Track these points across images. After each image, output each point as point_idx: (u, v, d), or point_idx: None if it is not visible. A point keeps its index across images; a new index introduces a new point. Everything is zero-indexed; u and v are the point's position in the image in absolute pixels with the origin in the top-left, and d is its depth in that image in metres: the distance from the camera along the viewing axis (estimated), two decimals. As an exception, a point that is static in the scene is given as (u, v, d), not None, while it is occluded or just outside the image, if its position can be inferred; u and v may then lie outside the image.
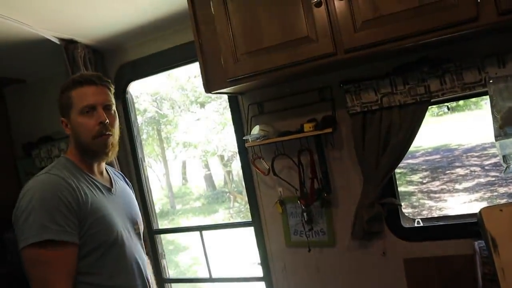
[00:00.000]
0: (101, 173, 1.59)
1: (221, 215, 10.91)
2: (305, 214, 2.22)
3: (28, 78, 3.11)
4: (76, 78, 1.51)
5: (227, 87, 2.00)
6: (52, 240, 1.30)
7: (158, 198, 12.79)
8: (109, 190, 1.56)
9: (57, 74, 2.81)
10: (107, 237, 1.43)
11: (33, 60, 2.73)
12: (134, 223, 1.62)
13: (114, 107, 1.55)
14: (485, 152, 10.44)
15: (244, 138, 2.26)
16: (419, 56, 1.89)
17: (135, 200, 1.75)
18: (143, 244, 1.68)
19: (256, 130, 2.19)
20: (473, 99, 11.94)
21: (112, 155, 1.55)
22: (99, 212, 1.43)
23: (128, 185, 1.80)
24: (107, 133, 1.49)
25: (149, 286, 1.60)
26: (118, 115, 1.59)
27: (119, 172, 1.82)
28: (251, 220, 2.50)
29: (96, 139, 1.47)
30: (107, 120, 1.47)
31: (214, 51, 1.98)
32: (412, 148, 2.03)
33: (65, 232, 1.32)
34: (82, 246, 1.38)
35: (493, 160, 9.63)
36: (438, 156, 11.26)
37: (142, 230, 1.69)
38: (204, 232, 2.84)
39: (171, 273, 2.97)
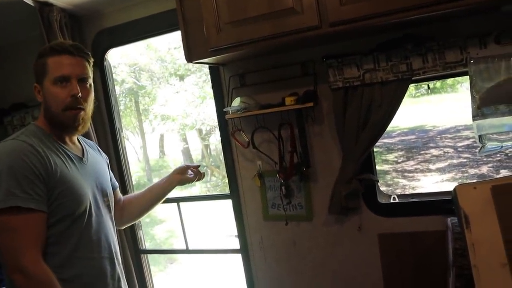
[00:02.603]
0: (72, 142, 1.56)
1: (197, 189, 10.92)
2: (283, 187, 2.23)
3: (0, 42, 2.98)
4: (54, 46, 1.47)
5: (208, 57, 1.97)
6: (19, 207, 1.28)
7: (135, 171, 12.67)
8: (80, 159, 1.53)
9: (31, 38, 2.69)
10: (76, 208, 1.42)
11: (5, 22, 2.60)
12: (104, 195, 1.60)
13: (90, 81, 1.51)
14: (459, 134, 10.70)
15: (224, 109, 2.23)
16: (403, 33, 1.88)
17: (108, 173, 1.72)
18: (113, 217, 1.67)
19: (237, 102, 2.17)
20: (450, 82, 12.16)
21: (83, 129, 1.52)
22: (69, 182, 1.41)
23: (103, 157, 1.77)
24: (79, 106, 1.45)
25: (117, 260, 1.59)
26: (95, 83, 1.55)
27: (94, 143, 1.78)
28: (229, 192, 2.50)
29: (66, 111, 1.44)
30: (80, 94, 1.43)
31: (197, 20, 1.93)
32: (389, 128, 2.06)
33: (32, 200, 1.30)
34: (50, 215, 1.36)
35: (466, 142, 9.88)
36: (413, 137, 11.48)
37: (113, 203, 1.68)
38: (181, 204, 2.83)
39: (147, 245, 2.97)
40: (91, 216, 1.48)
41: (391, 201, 2.19)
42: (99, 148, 1.80)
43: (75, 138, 1.58)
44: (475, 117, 1.83)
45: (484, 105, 1.80)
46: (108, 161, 1.81)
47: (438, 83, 12.02)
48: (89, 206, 1.47)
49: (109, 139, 2.80)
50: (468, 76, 1.81)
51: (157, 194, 1.87)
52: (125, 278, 1.66)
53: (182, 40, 2.00)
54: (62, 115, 1.44)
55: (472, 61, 1.78)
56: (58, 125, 1.47)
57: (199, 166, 1.92)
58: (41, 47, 1.53)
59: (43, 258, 1.33)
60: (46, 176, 1.35)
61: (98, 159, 1.69)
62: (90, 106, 1.52)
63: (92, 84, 1.53)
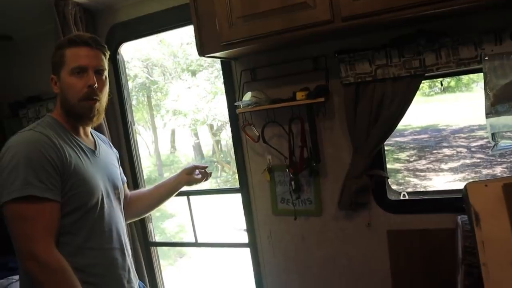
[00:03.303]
0: (86, 135, 1.59)
1: (207, 184, 10.97)
2: (293, 182, 2.23)
3: (15, 35, 3.01)
4: (72, 37, 1.50)
5: (220, 51, 1.98)
6: (35, 196, 1.31)
7: (146, 165, 12.76)
8: (93, 152, 1.56)
9: (46, 32, 2.72)
10: (88, 199, 1.44)
11: (21, 16, 2.63)
12: (115, 188, 1.62)
13: (106, 73, 1.54)
14: (473, 134, 10.58)
15: (235, 104, 2.24)
16: (416, 29, 1.87)
17: (118, 167, 1.75)
18: (123, 210, 1.70)
19: (248, 96, 2.17)
20: (465, 81, 12.01)
21: (97, 120, 1.55)
22: (82, 173, 1.44)
23: (114, 151, 1.80)
24: (94, 97, 1.48)
25: (127, 251, 1.61)
26: (109, 77, 1.58)
27: (105, 137, 1.81)
28: (239, 186, 2.51)
29: (82, 101, 1.46)
30: (96, 85, 1.46)
31: (210, 14, 1.94)
32: (401, 126, 2.05)
33: (48, 190, 1.33)
34: (63, 205, 1.39)
35: (480, 142, 9.77)
36: (426, 136, 11.37)
37: (123, 197, 1.71)
38: (191, 197, 2.85)
39: (157, 238, 2.99)
40: (103, 208, 1.50)
41: (401, 198, 2.18)
42: (110, 143, 1.82)
43: (88, 130, 1.61)
44: (488, 114, 1.80)
45: (498, 103, 1.78)
46: (118, 155, 1.84)
47: (452, 82, 11.87)
48: (101, 198, 1.49)
49: (121, 133, 2.83)
50: (482, 74, 1.79)
51: (165, 192, 1.89)
52: (135, 270, 1.68)
53: (195, 34, 2.01)
54: (78, 105, 1.46)
55: (486, 58, 1.76)
56: (74, 115, 1.50)
57: (206, 166, 1.94)
58: (56, 40, 1.56)
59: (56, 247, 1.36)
60: (62, 167, 1.37)
61: (109, 153, 1.72)
62: (105, 98, 1.54)
63: (107, 77, 1.55)
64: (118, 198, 1.64)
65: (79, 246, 1.43)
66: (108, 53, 1.55)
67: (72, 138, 1.49)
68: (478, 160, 8.90)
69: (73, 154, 1.44)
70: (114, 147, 1.86)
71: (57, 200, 1.36)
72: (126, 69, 2.89)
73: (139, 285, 1.70)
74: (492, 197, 1.57)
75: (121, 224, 1.62)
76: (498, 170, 8.17)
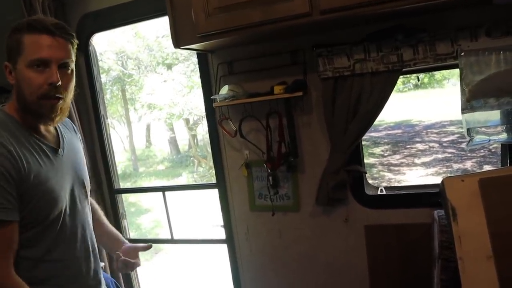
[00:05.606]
0: (47, 131, 1.39)
1: (184, 179, 10.86)
2: (270, 178, 2.21)
3: (-21, 24, 2.87)
4: (33, 22, 1.25)
5: (197, 43, 1.92)
6: None
7: (121, 160, 12.54)
8: (55, 152, 1.37)
9: (12, 20, 2.58)
10: (49, 211, 1.30)
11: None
12: (83, 186, 1.47)
13: (72, 65, 1.31)
14: (444, 129, 10.81)
15: (212, 97, 2.20)
16: (394, 24, 1.86)
17: (83, 157, 1.57)
18: (91, 203, 1.57)
19: (224, 90, 2.13)
20: (437, 77, 12.26)
21: (60, 120, 1.34)
22: (43, 184, 1.28)
23: (78, 137, 1.60)
24: (57, 95, 1.26)
25: (93, 254, 1.48)
26: (80, 69, 1.42)
27: (68, 120, 1.57)
28: (215, 182, 2.47)
29: (42, 100, 1.25)
30: (60, 82, 1.24)
31: (185, 4, 1.88)
32: (375, 122, 2.04)
33: (3, 210, 1.18)
34: (22, 220, 1.23)
35: (451, 137, 10.00)
36: (399, 131, 11.56)
37: (89, 189, 1.54)
38: (167, 193, 2.79)
39: (132, 234, 2.93)
40: (66, 217, 1.36)
41: (379, 193, 2.18)
42: (74, 127, 1.61)
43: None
44: (464, 110, 1.82)
45: (473, 98, 1.79)
46: (81, 140, 1.66)
47: (426, 78, 12.11)
48: (65, 207, 1.35)
49: (94, 127, 2.74)
50: (456, 70, 1.80)
51: (105, 241, 1.70)
52: (101, 272, 1.55)
53: (170, 25, 1.95)
54: (37, 103, 1.25)
55: (462, 54, 1.77)
56: (31, 113, 1.28)
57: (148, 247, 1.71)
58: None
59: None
60: (19, 179, 1.21)
61: (74, 143, 1.52)
62: (70, 95, 1.33)
63: (74, 69, 1.33)
64: (86, 197, 1.50)
65: (39, 260, 1.30)
66: (76, 42, 1.32)
67: (30, 139, 1.29)
68: (450, 155, 9.10)
69: (32, 160, 1.26)
70: (86, 141, 1.67)
71: (14, 219, 1.20)
72: (100, 62, 2.80)
73: (108, 284, 1.60)
74: (469, 192, 1.59)
75: (88, 225, 1.49)
76: (469, 165, 8.38)
